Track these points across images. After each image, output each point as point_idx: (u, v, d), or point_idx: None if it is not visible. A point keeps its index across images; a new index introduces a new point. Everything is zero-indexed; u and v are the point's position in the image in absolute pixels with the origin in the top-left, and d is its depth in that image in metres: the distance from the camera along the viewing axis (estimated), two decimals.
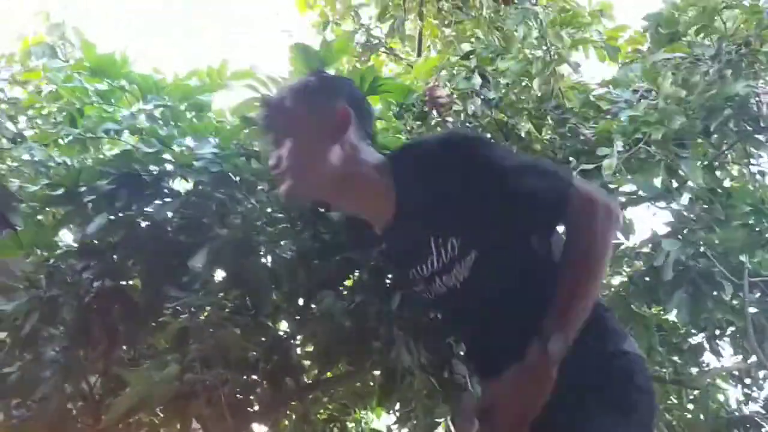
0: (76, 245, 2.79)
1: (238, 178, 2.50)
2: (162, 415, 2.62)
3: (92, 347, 2.67)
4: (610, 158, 2.27)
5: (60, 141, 2.83)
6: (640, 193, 2.38)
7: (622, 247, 2.92)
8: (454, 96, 2.61)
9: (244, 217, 2.50)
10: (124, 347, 2.74)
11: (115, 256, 2.68)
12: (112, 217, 2.54)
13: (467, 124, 2.67)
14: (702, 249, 2.65)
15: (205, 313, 2.40)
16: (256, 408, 2.64)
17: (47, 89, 2.83)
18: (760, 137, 2.55)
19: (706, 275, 2.68)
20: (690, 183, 2.40)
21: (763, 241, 2.70)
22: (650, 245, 2.94)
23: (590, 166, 2.33)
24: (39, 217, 2.77)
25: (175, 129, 2.60)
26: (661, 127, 2.20)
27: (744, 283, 2.49)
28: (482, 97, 2.59)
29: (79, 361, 2.63)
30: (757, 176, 2.79)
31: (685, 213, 2.80)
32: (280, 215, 2.41)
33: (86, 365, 2.65)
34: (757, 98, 2.53)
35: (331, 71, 2.24)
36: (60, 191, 2.55)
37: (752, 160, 2.72)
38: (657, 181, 2.69)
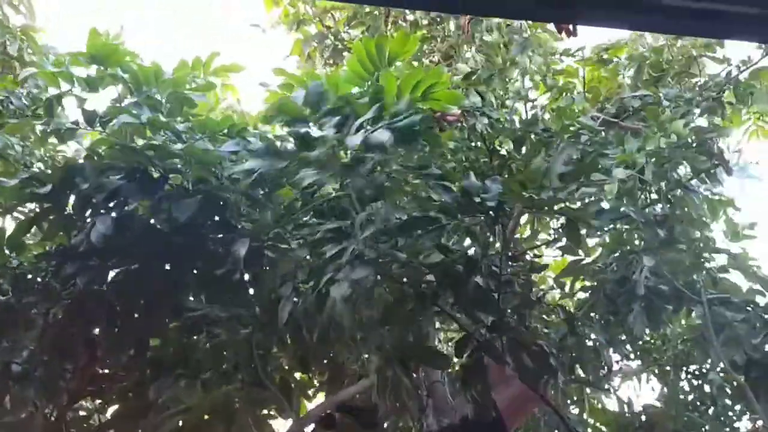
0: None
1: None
2: None
3: (70, 359, 2.42)
4: (611, 184, 2.48)
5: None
6: (633, 215, 2.61)
7: (583, 262, 3.16)
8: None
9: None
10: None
11: (93, 259, 2.46)
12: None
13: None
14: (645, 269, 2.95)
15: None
16: None
17: (25, 73, 2.52)
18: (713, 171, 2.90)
19: (657, 292, 3.00)
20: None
21: (703, 264, 3.07)
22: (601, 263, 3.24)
23: (592, 189, 2.53)
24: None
25: (179, 123, 2.44)
26: (666, 159, 2.46)
27: (702, 300, 2.82)
28: (488, 116, 2.70)
29: (58, 376, 2.37)
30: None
31: (625, 236, 3.12)
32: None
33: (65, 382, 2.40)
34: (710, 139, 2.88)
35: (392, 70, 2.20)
36: (46, 188, 2.28)
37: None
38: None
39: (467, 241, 2.80)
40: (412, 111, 2.12)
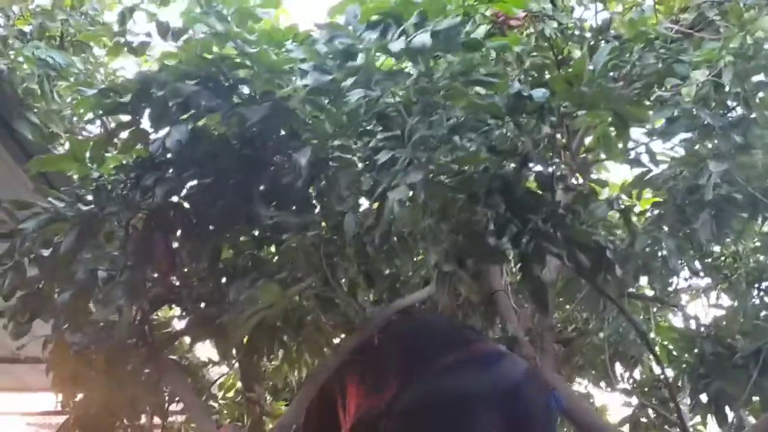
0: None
1: None
2: None
3: (155, 266, 2.55)
4: (688, 87, 2.39)
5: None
6: (708, 121, 2.52)
7: (652, 174, 3.07)
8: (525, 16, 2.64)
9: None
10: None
11: (170, 172, 2.55)
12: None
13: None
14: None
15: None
16: None
17: None
18: None
19: (728, 199, 2.89)
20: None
21: None
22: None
23: (667, 93, 2.45)
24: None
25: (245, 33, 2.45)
26: (748, 59, 2.34)
27: None
28: (558, 21, 2.63)
29: (141, 280, 2.50)
30: None
31: (697, 145, 2.99)
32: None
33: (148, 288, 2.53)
34: None
35: None
36: (126, 98, 2.36)
37: None
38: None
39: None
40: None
